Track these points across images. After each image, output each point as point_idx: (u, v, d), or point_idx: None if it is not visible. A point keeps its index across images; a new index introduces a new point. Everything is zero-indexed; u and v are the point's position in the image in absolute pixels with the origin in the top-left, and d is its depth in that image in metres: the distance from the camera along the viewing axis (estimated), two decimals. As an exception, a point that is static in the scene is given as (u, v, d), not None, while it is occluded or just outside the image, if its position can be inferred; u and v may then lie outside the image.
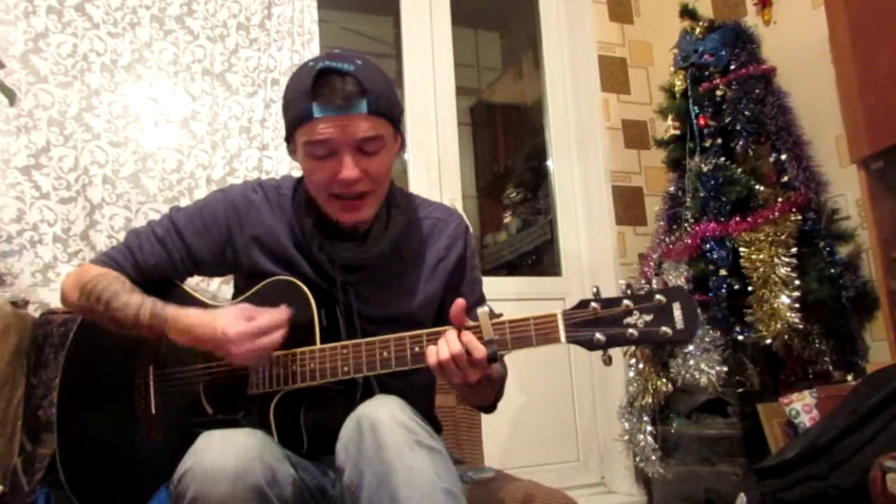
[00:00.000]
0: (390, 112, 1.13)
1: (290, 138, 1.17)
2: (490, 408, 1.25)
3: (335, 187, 1.12)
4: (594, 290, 1.02)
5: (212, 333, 1.07)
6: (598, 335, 0.98)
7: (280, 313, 1.08)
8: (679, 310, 0.96)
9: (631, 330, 0.97)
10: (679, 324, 0.96)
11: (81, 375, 1.28)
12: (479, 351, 0.99)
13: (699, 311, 1.07)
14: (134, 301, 1.14)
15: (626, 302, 0.98)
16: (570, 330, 0.99)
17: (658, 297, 0.97)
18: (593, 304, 0.99)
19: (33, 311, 1.83)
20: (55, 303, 1.89)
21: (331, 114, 1.07)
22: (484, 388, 1.10)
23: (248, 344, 1.05)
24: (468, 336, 1.00)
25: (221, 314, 1.09)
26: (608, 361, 1.00)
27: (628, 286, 1.00)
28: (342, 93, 1.07)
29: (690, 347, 2.00)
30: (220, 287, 2.03)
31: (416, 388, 1.24)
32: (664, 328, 0.96)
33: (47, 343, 1.69)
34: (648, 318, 0.97)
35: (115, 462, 1.21)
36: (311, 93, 1.08)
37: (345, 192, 1.12)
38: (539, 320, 1.01)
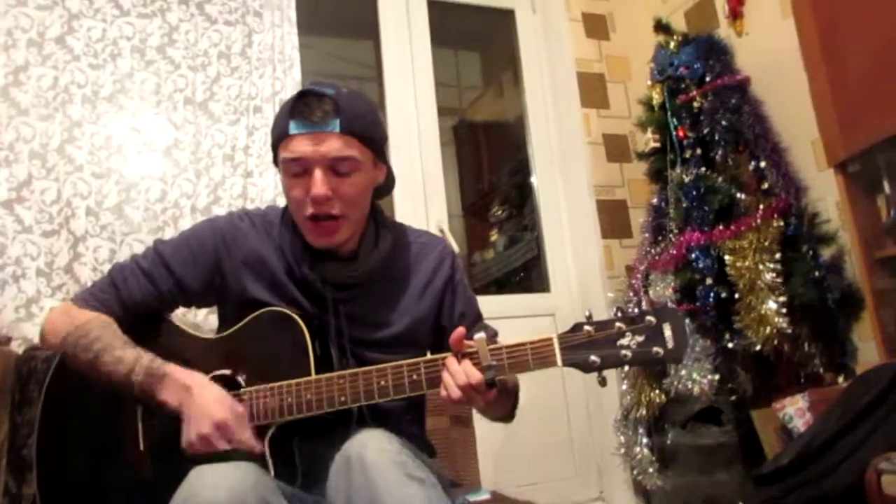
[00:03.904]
0: (367, 135, 1.15)
1: (276, 160, 1.19)
2: (508, 416, 1.25)
3: (309, 207, 1.13)
4: (587, 313, 1.05)
5: (198, 408, 1.04)
6: (594, 357, 1.01)
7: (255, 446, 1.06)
8: (669, 329, 1.00)
9: (624, 351, 1.01)
10: (670, 343, 1.00)
11: (64, 411, 1.24)
12: (476, 377, 1.01)
13: (688, 329, 1.11)
14: (128, 357, 1.10)
15: (618, 324, 1.02)
16: (566, 353, 1.02)
17: (649, 318, 1.01)
18: (587, 327, 1.02)
19: (16, 348, 1.80)
20: (39, 338, 1.86)
21: (305, 131, 1.11)
22: (495, 404, 1.11)
23: (214, 438, 1.03)
24: (468, 366, 1.02)
25: (213, 395, 1.06)
26: (603, 382, 1.03)
27: (619, 309, 1.04)
28: (318, 111, 1.11)
29: (681, 359, 2.00)
30: (206, 317, 2.01)
31: (407, 408, 1.24)
32: (656, 348, 1.00)
33: (31, 379, 1.66)
34: (640, 338, 1.01)
35: (102, 501, 1.18)
36: (289, 111, 1.12)
37: (318, 211, 1.13)
38: (535, 345, 1.03)
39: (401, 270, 1.27)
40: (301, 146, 1.11)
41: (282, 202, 2.12)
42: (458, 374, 1.01)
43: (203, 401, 1.04)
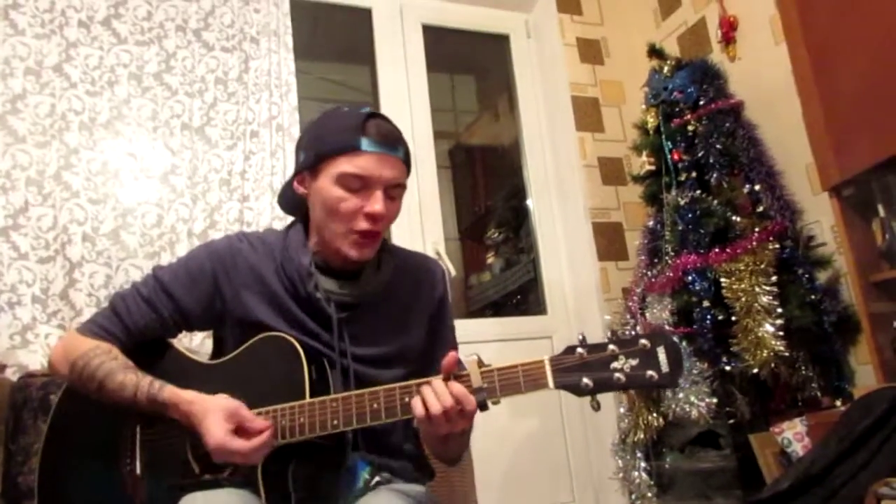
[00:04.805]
0: (410, 164, 1.23)
1: (316, 168, 1.18)
2: (457, 458, 1.25)
3: (364, 222, 1.16)
4: (580, 336, 1.04)
5: (201, 428, 1.06)
6: (586, 380, 1.00)
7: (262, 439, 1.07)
8: (663, 354, 0.99)
9: (618, 374, 1.00)
10: (664, 367, 0.99)
11: (66, 439, 1.25)
12: (471, 403, 1.00)
13: (683, 353, 1.09)
14: (129, 382, 1.13)
15: (611, 347, 1.00)
16: (558, 375, 1.01)
17: (643, 341, 1.00)
18: (580, 350, 1.02)
19: (11, 375, 1.79)
20: (34, 365, 1.85)
21: (377, 150, 1.15)
22: (458, 439, 1.11)
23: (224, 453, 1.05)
24: (458, 388, 1.01)
25: (210, 415, 1.07)
26: (597, 407, 1.02)
27: (613, 332, 1.03)
28: (390, 135, 1.17)
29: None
30: (202, 342, 2.00)
31: (403, 429, 1.25)
32: (650, 372, 0.99)
33: (26, 407, 1.65)
34: (634, 362, 1.00)
35: None
36: (361, 128, 1.15)
37: (369, 227, 1.16)
38: (527, 367, 1.02)
39: (399, 291, 1.28)
40: (371, 164, 1.14)
41: (278, 226, 2.12)
42: (444, 394, 1.00)
43: (204, 424, 1.06)
